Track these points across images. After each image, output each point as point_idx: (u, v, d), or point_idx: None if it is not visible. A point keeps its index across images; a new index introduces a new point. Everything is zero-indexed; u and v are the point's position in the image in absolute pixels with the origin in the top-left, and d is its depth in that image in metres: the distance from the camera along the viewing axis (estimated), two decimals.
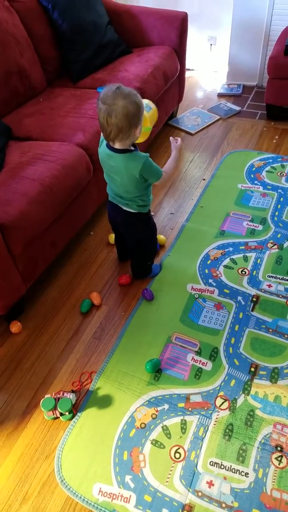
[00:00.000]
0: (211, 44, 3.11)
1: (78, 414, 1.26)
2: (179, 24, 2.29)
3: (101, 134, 1.29)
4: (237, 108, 2.76)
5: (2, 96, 1.88)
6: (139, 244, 1.57)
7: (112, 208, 1.50)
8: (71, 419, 1.25)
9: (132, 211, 1.44)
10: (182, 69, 2.50)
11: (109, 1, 2.39)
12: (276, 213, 1.92)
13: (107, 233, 1.90)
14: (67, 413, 1.24)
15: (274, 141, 2.44)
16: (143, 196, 1.41)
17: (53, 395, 1.27)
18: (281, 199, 2.00)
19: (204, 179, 2.18)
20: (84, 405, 1.28)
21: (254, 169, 2.21)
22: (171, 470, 1.13)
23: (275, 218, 1.90)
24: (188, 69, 3.23)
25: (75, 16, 2.09)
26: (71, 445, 1.19)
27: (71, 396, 1.26)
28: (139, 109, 1.20)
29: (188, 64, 2.82)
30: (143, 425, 1.22)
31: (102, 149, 1.34)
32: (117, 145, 1.27)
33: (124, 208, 1.44)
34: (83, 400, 1.29)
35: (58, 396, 1.26)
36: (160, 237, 1.81)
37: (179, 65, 2.39)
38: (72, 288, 1.67)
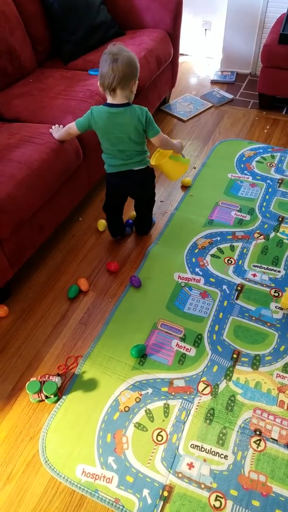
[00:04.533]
0: (205, 29, 3.06)
1: (63, 397, 1.28)
2: (173, 7, 2.24)
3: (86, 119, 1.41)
4: (230, 96, 2.74)
5: None
6: (150, 199, 1.72)
7: (122, 178, 1.55)
8: (56, 402, 1.27)
9: (143, 167, 1.54)
10: (176, 53, 2.46)
11: None
12: (264, 204, 1.94)
13: (96, 219, 1.89)
14: (52, 396, 1.25)
15: (265, 131, 2.43)
16: (144, 146, 1.52)
17: (39, 378, 1.29)
18: (270, 190, 2.01)
19: (194, 167, 2.18)
20: (69, 388, 1.30)
21: (244, 158, 2.21)
22: (153, 452, 1.16)
23: (263, 209, 1.91)
24: (182, 54, 3.18)
25: None
26: (56, 427, 1.22)
27: (57, 379, 1.28)
28: (137, 66, 1.37)
29: (182, 49, 2.78)
30: (127, 409, 1.25)
31: (101, 113, 1.39)
32: (118, 98, 1.36)
33: (136, 168, 1.52)
34: (69, 383, 1.31)
35: (44, 379, 1.28)
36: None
37: (172, 49, 2.36)
38: (59, 274, 1.67)
